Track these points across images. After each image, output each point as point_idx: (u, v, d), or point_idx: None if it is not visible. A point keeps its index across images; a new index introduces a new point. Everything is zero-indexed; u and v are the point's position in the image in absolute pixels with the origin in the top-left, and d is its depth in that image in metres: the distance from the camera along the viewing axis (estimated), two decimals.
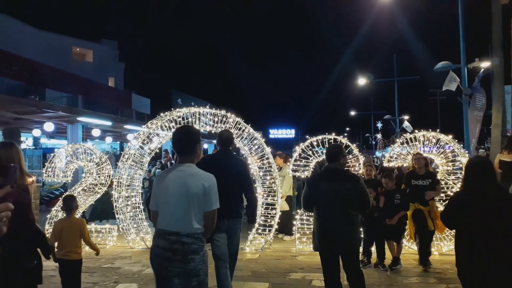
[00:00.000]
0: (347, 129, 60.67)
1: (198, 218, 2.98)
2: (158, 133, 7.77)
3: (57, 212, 7.91)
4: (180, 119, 7.59)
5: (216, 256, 4.34)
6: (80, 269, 4.42)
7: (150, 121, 7.93)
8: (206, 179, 3.05)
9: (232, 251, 4.44)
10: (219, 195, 3.10)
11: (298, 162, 7.56)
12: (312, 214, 4.30)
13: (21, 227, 2.66)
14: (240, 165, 4.62)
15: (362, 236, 5.08)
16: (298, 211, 7.74)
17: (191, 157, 3.14)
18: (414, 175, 6.31)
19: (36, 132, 16.44)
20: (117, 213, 7.61)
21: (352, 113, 48.40)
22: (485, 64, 13.30)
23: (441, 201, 6.66)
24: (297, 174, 7.73)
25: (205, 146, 29.49)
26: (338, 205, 3.97)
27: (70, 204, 4.58)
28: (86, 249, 4.77)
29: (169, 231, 2.96)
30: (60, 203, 8.02)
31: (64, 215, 4.89)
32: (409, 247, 6.88)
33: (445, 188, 6.93)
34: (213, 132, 7.81)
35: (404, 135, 7.71)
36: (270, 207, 7.62)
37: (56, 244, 4.32)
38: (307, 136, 7.88)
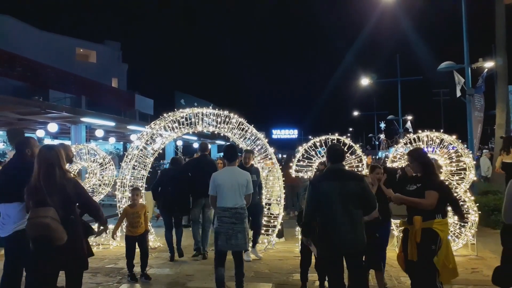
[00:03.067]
0: (350, 129, 60.60)
1: (242, 198, 4.93)
2: (161, 134, 7.78)
3: None
4: (183, 119, 7.60)
5: (192, 220, 7.24)
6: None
7: (153, 122, 7.94)
8: (246, 175, 5.06)
9: (205, 217, 7.11)
10: (200, 183, 5.65)
11: (301, 163, 7.55)
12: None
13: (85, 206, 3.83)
14: (212, 164, 7.34)
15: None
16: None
17: (234, 162, 5.20)
18: (408, 179, 4.98)
19: (40, 133, 16.49)
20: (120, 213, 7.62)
21: (355, 113, 48.36)
22: (488, 64, 13.25)
23: (440, 215, 4.10)
24: (300, 174, 7.73)
25: (208, 146, 29.47)
26: (342, 205, 3.95)
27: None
28: (94, 249, 4.79)
29: (229, 207, 4.84)
30: None
31: None
32: None
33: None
34: (216, 132, 7.82)
35: (408, 135, 7.69)
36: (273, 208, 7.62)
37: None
38: (310, 137, 7.87)
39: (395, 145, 9.03)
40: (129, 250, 5.87)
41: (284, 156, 15.70)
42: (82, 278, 3.82)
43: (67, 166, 5.13)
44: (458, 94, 12.73)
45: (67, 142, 18.10)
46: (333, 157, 4.23)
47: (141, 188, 7.88)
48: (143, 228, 5.97)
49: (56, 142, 22.17)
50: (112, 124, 16.22)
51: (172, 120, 7.64)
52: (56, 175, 3.47)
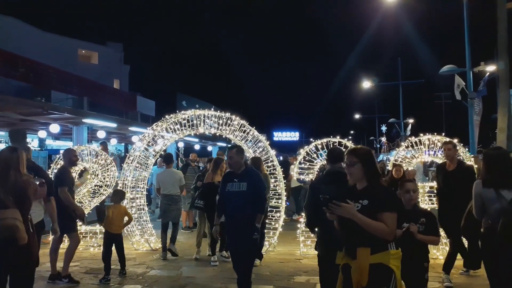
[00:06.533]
0: (352, 132, 60.51)
1: (177, 188, 7.08)
2: (163, 135, 7.80)
3: None
4: (185, 121, 7.62)
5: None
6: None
7: (155, 123, 7.96)
8: (179, 173, 7.50)
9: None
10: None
11: (303, 165, 7.55)
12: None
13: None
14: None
15: None
16: (302, 214, 7.73)
17: (171, 165, 6.26)
18: (348, 191, 3.57)
19: (42, 134, 16.52)
20: None
21: (357, 116, 48.37)
22: (490, 68, 13.24)
23: (393, 244, 2.92)
24: (302, 177, 7.73)
25: (209, 148, 29.53)
26: None
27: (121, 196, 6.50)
28: (90, 250, 4.81)
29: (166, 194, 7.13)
30: None
31: None
32: None
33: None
34: (217, 134, 7.83)
35: (409, 138, 7.70)
36: (275, 209, 7.62)
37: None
38: (311, 139, 7.87)
39: (397, 148, 9.03)
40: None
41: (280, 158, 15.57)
42: (33, 276, 3.84)
43: (75, 168, 5.50)
44: (458, 97, 12.74)
45: (69, 143, 18.14)
46: (332, 157, 4.22)
47: (142, 190, 7.90)
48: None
49: (57, 143, 22.24)
50: (114, 125, 16.22)
51: (173, 121, 7.65)
52: (10, 176, 3.51)
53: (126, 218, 6.28)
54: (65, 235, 6.02)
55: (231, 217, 4.69)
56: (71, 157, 6.06)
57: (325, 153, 7.43)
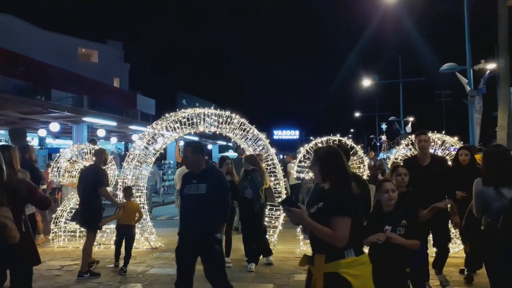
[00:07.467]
0: (352, 130, 60.57)
1: None
2: (163, 134, 7.79)
3: (62, 212, 7.96)
4: (185, 120, 7.61)
5: None
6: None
7: (155, 122, 7.96)
8: None
9: None
10: None
11: (302, 163, 7.55)
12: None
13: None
14: None
15: None
16: None
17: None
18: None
19: (42, 132, 16.54)
20: None
21: (357, 114, 48.34)
22: (491, 66, 13.22)
23: (351, 251, 2.64)
24: (301, 175, 7.73)
25: (209, 147, 29.54)
26: None
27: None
28: (95, 249, 4.82)
29: None
30: (65, 203, 8.11)
31: None
32: None
33: None
34: (217, 133, 7.83)
35: (409, 136, 7.69)
36: (274, 208, 7.62)
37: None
38: (311, 137, 7.87)
39: (397, 147, 9.03)
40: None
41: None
42: (31, 276, 3.89)
43: (105, 167, 5.73)
44: (468, 90, 12.54)
45: (69, 142, 18.15)
46: None
47: (142, 188, 7.90)
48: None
49: (57, 141, 22.23)
50: (114, 124, 16.24)
51: (173, 120, 7.65)
52: (3, 174, 3.49)
53: (137, 214, 6.62)
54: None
55: (186, 225, 4.03)
56: (105, 157, 6.51)
57: None
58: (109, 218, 6.66)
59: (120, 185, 7.61)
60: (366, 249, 3.23)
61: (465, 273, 5.59)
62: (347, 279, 2.53)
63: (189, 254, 3.95)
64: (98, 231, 7.56)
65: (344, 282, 2.54)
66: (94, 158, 6.60)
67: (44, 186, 7.29)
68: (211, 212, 3.89)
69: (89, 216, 6.09)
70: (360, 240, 2.79)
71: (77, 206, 7.96)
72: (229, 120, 7.61)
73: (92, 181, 6.11)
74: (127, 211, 6.50)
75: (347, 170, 2.87)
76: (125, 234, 6.38)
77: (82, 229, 7.85)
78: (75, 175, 8.03)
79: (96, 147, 8.18)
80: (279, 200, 7.37)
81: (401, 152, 7.66)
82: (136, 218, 6.59)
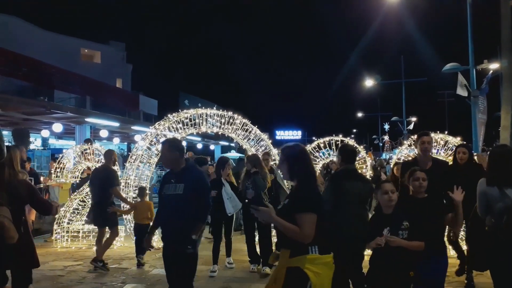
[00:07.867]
0: (354, 130, 60.41)
1: None
2: (166, 134, 7.80)
3: (65, 212, 7.98)
4: (188, 120, 7.62)
5: None
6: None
7: (157, 122, 7.97)
8: None
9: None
10: None
11: None
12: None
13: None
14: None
15: None
16: None
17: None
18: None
19: (45, 133, 16.60)
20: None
21: (359, 114, 48.24)
22: (494, 66, 13.17)
23: (315, 248, 2.70)
24: None
25: (212, 147, 29.54)
26: (360, 206, 4.11)
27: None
28: (94, 249, 4.83)
29: None
30: (68, 203, 8.13)
31: None
32: None
33: None
34: (220, 133, 7.83)
35: (412, 136, 7.67)
36: None
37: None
38: (314, 138, 7.88)
39: (399, 147, 9.01)
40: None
41: None
42: (30, 278, 3.94)
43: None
44: (459, 92, 12.65)
45: (72, 142, 18.19)
46: (347, 158, 4.36)
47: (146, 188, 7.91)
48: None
49: (60, 142, 22.29)
50: (117, 124, 16.29)
51: (176, 120, 7.66)
52: (4, 175, 3.50)
53: (149, 214, 6.76)
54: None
55: (163, 225, 3.90)
56: (114, 157, 6.79)
57: (327, 152, 7.43)
58: (119, 211, 6.98)
59: (123, 186, 7.62)
60: (368, 255, 3.28)
61: (465, 273, 5.57)
62: (307, 274, 2.58)
63: (167, 256, 3.86)
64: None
65: (304, 277, 2.58)
66: (103, 159, 6.77)
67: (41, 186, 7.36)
68: (187, 214, 3.67)
69: (107, 216, 6.40)
70: (325, 238, 2.75)
71: (79, 207, 8.03)
72: (231, 120, 7.61)
73: (103, 181, 6.38)
74: (139, 211, 6.69)
75: (312, 168, 2.92)
76: (143, 231, 6.29)
77: (85, 230, 7.89)
78: (78, 175, 8.06)
79: (91, 146, 8.21)
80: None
81: (403, 152, 7.65)
82: (150, 217, 6.67)
